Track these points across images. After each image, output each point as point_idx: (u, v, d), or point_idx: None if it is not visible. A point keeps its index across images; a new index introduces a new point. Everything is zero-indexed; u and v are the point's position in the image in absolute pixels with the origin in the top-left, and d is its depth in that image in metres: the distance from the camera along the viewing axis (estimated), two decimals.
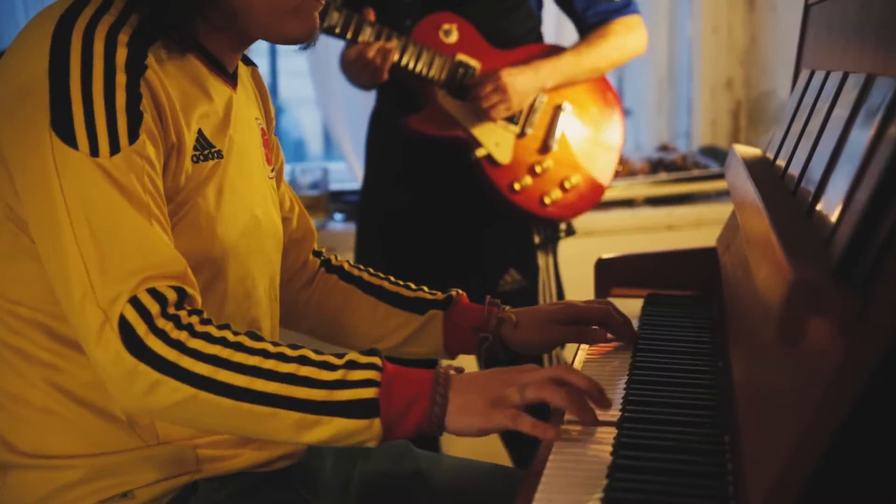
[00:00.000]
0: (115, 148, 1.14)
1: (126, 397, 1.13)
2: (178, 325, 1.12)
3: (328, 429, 1.12)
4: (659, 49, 3.66)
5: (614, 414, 1.18)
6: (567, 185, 2.51)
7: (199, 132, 1.25)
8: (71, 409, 1.25)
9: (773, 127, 3.45)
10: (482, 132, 2.44)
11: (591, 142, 2.56)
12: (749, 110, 3.69)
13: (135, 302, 1.12)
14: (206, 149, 1.26)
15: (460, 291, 1.55)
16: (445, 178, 2.51)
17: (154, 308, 1.12)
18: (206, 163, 1.26)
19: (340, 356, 1.15)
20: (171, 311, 1.13)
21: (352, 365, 1.14)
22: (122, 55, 1.17)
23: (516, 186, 2.47)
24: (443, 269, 2.51)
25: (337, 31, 2.32)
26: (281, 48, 3.19)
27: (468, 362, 1.43)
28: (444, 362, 1.17)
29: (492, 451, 2.64)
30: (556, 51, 2.51)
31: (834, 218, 0.95)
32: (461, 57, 2.42)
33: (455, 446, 2.83)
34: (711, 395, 1.23)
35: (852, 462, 0.82)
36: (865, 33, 1.17)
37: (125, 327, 1.11)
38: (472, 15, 2.45)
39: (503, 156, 2.46)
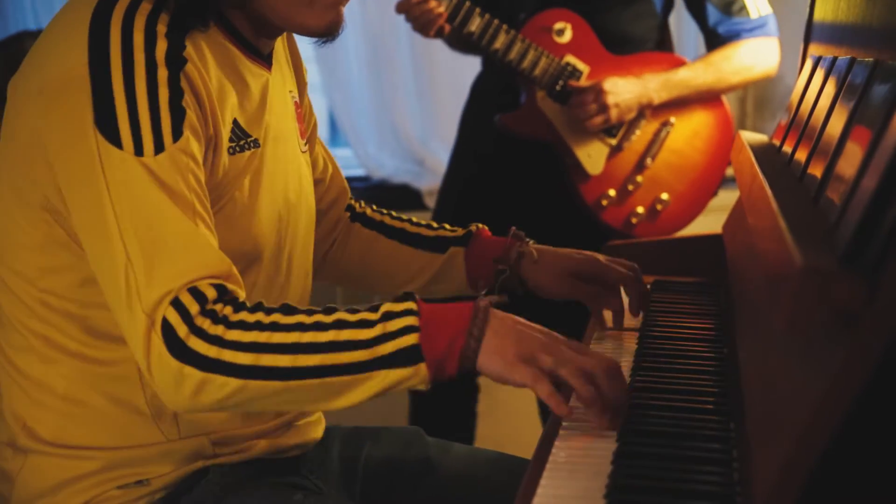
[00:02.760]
0: (159, 147, 1.13)
1: (177, 401, 1.13)
2: (216, 319, 1.11)
3: (376, 383, 1.12)
4: None
5: None
6: (658, 206, 2.42)
7: (235, 122, 1.24)
8: (95, 400, 1.25)
9: (779, 113, 3.44)
10: (576, 141, 2.37)
11: (691, 162, 2.44)
12: (756, 97, 3.67)
13: (176, 303, 1.11)
14: (241, 139, 1.25)
15: (481, 226, 1.55)
16: (535, 169, 2.45)
17: (194, 308, 1.11)
18: (242, 153, 1.25)
19: (376, 309, 1.14)
20: (209, 307, 1.12)
21: (388, 316, 1.13)
22: (161, 48, 1.15)
23: (604, 202, 2.41)
24: None
25: (444, 18, 2.28)
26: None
27: None
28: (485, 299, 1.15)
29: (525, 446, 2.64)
30: (672, 64, 2.41)
31: (841, 205, 0.95)
32: (570, 59, 2.35)
33: (489, 439, 2.84)
34: (717, 382, 1.23)
35: (859, 450, 0.82)
36: (870, 29, 1.17)
37: (168, 331, 1.10)
38: (590, 13, 2.36)
39: (594, 168, 2.39)
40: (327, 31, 1.28)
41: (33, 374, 1.26)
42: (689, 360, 1.33)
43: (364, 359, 1.11)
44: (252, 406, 1.16)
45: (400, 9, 2.34)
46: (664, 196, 2.43)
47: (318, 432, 1.43)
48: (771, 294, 1.07)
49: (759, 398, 1.04)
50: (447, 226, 1.56)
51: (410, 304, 1.14)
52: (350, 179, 3.33)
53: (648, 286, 1.70)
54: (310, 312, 1.15)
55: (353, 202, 1.60)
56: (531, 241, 1.52)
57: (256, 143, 1.27)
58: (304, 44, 1.37)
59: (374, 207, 1.60)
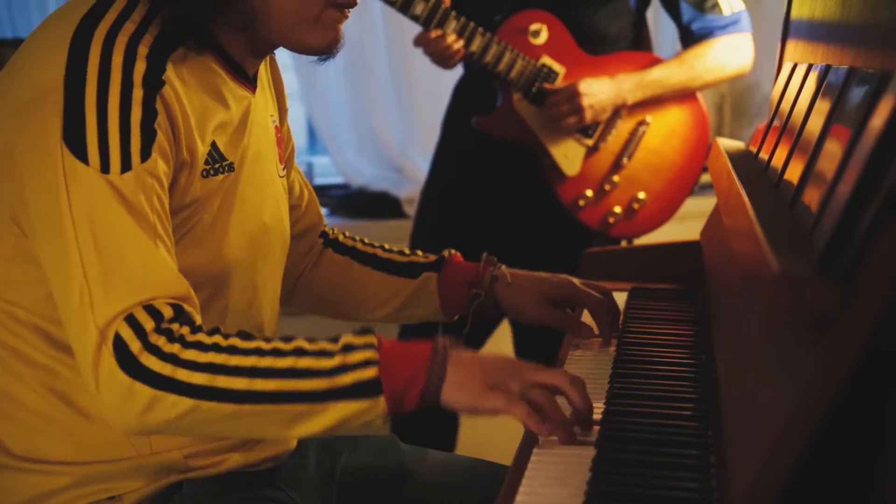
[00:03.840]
0: (126, 166, 1.12)
1: (124, 419, 1.11)
2: (171, 338, 1.11)
3: (333, 415, 1.11)
4: None
5: (598, 407, 1.18)
6: (635, 205, 2.43)
7: (213, 144, 1.23)
8: (66, 414, 1.24)
9: (756, 120, 3.45)
10: (553, 142, 2.38)
11: (667, 161, 2.45)
12: (733, 103, 3.69)
13: (130, 319, 1.10)
14: (217, 162, 1.24)
15: (453, 252, 1.55)
16: (514, 170, 2.45)
17: (149, 324, 1.10)
18: (216, 177, 1.24)
19: (335, 340, 1.14)
20: (165, 325, 1.11)
21: (348, 348, 1.13)
22: (140, 69, 1.15)
23: (581, 202, 2.41)
24: (496, 255, 2.48)
25: (421, 21, 2.27)
26: None
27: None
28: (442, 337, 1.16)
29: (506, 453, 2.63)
30: (647, 62, 2.41)
31: (816, 211, 0.95)
32: (546, 60, 2.35)
33: (470, 446, 2.83)
34: (695, 389, 1.24)
35: (835, 454, 0.82)
36: (846, 28, 1.17)
37: (120, 346, 1.09)
38: (566, 12, 2.37)
39: (570, 168, 2.39)
40: (327, 50, 1.28)
41: (3, 386, 1.25)
42: (667, 366, 1.33)
43: (322, 388, 1.11)
44: (202, 429, 1.15)
45: (417, 43, 2.34)
46: (641, 195, 2.44)
47: (292, 444, 1.42)
48: (747, 300, 1.08)
49: (735, 404, 1.05)
50: (419, 252, 1.56)
51: (371, 339, 1.14)
52: (329, 187, 3.34)
53: (625, 293, 1.71)
54: (268, 340, 1.14)
55: (326, 228, 1.59)
56: (503, 266, 1.52)
57: (231, 168, 1.27)
58: (283, 52, 1.36)
59: (347, 234, 1.60)
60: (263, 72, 1.39)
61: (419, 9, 2.27)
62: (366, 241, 1.58)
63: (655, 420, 1.13)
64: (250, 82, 1.31)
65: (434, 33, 2.27)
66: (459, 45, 2.27)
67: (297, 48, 1.28)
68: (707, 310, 1.51)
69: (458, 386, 1.13)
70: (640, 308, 1.62)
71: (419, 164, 3.17)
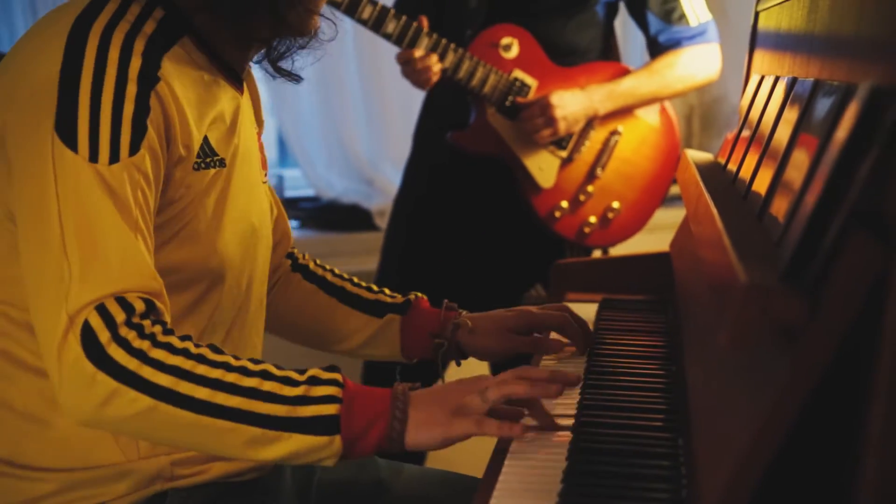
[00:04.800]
0: (114, 157, 1.13)
1: (80, 407, 1.10)
2: (141, 334, 1.11)
3: (288, 445, 1.11)
4: None
5: (569, 418, 1.18)
6: (610, 214, 2.45)
7: (206, 139, 1.24)
8: (53, 418, 1.23)
9: (724, 131, 3.48)
10: (527, 155, 2.39)
11: (640, 170, 2.48)
12: (701, 115, 3.72)
13: (101, 309, 1.10)
14: (208, 156, 1.25)
15: (419, 295, 1.55)
16: (487, 182, 2.46)
17: (120, 317, 1.10)
18: (206, 171, 1.25)
19: (302, 372, 1.14)
20: (136, 320, 1.11)
21: (314, 381, 1.13)
22: (135, 65, 1.16)
23: (556, 213, 2.43)
24: (465, 273, 2.47)
25: (393, 39, 2.29)
26: None
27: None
28: (400, 384, 1.16)
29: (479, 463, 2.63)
30: (616, 73, 2.44)
31: (784, 222, 0.96)
32: (518, 74, 2.37)
33: (441, 459, 2.82)
34: (666, 399, 1.24)
35: (804, 463, 0.83)
36: (812, 39, 1.18)
37: (88, 334, 1.09)
38: (536, 25, 2.39)
39: (546, 180, 2.41)
40: (316, 30, 1.33)
41: None
42: (638, 377, 1.33)
43: (282, 415, 1.10)
44: (155, 434, 1.14)
45: (401, 59, 2.34)
46: (615, 204, 2.46)
47: None
48: (716, 310, 1.08)
49: (705, 414, 1.05)
50: (387, 290, 1.56)
51: (337, 376, 1.14)
52: (299, 200, 3.33)
53: (596, 304, 1.71)
54: (237, 357, 1.14)
55: (296, 252, 1.59)
56: (463, 312, 1.52)
57: (223, 163, 1.27)
58: (253, 66, 1.38)
59: (318, 262, 1.59)
60: (247, 81, 1.40)
61: (391, 27, 2.28)
62: (336, 272, 1.58)
63: (626, 431, 1.14)
64: (239, 83, 1.33)
65: (417, 52, 2.28)
66: (439, 66, 2.29)
67: (303, 32, 1.32)
68: (677, 320, 1.52)
69: (423, 426, 1.13)
70: (610, 319, 1.63)
71: (390, 176, 3.17)
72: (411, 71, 2.33)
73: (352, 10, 2.26)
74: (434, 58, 2.29)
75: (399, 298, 1.54)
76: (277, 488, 1.41)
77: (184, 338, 1.14)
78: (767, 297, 0.81)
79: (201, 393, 1.10)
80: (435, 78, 2.32)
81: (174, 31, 1.22)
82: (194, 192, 1.23)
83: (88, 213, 1.12)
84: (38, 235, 1.13)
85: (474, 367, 2.62)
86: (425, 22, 2.30)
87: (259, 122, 1.48)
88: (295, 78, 1.39)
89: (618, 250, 2.57)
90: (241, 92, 1.33)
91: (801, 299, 0.79)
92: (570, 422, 1.18)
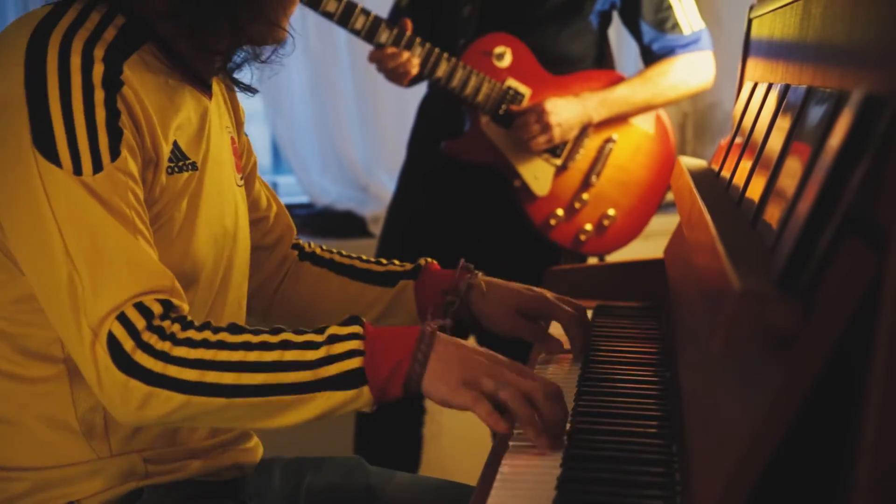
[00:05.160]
0: (97, 166, 1.15)
1: (122, 412, 1.14)
2: (162, 336, 1.13)
3: (321, 403, 1.14)
4: None
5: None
6: (605, 221, 2.46)
7: (175, 144, 1.25)
8: (25, 419, 1.24)
9: (718, 138, 3.48)
10: (522, 163, 2.40)
11: (634, 177, 2.48)
12: (695, 122, 3.72)
13: (122, 318, 1.12)
14: (180, 160, 1.26)
15: (430, 259, 1.55)
16: (481, 190, 2.46)
17: (140, 323, 1.13)
18: (180, 174, 1.26)
19: (322, 331, 1.17)
20: (157, 322, 1.14)
21: (334, 339, 1.15)
22: (98, 71, 1.17)
23: (552, 221, 2.43)
24: None
25: (387, 49, 2.29)
26: None
27: None
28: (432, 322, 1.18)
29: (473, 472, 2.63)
30: (610, 81, 2.44)
31: (777, 228, 0.96)
32: (511, 82, 2.38)
33: (435, 466, 2.83)
34: (660, 406, 1.24)
35: (798, 470, 0.83)
36: (805, 47, 1.19)
37: (113, 344, 1.12)
38: (529, 34, 2.39)
39: (541, 188, 2.41)
40: (283, 40, 1.32)
41: None
42: (632, 384, 1.33)
43: (308, 379, 1.13)
44: (198, 422, 1.18)
45: (372, 58, 2.35)
46: (611, 212, 2.46)
47: (254, 456, 1.42)
48: (710, 317, 1.08)
49: (699, 421, 1.05)
50: (396, 262, 1.57)
51: (356, 328, 1.16)
52: (294, 206, 3.33)
53: (591, 311, 1.71)
54: (256, 332, 1.17)
55: (301, 242, 1.60)
56: (480, 273, 1.52)
57: (195, 167, 1.28)
58: (247, 73, 1.38)
59: (324, 247, 1.61)
60: (216, 85, 1.41)
61: (384, 37, 2.28)
62: (343, 252, 1.60)
63: (621, 438, 1.14)
64: (207, 89, 1.33)
65: (389, 50, 2.28)
66: (414, 62, 2.29)
67: (273, 41, 1.31)
68: (671, 327, 1.52)
69: (438, 378, 1.15)
70: (604, 326, 1.63)
71: (384, 183, 3.17)
72: (385, 69, 2.33)
73: (344, 21, 2.27)
74: (406, 54, 2.29)
75: (409, 266, 1.56)
76: (263, 493, 1.41)
77: (202, 327, 1.16)
78: (761, 303, 0.81)
79: (228, 378, 1.13)
80: (414, 70, 2.31)
81: (136, 38, 1.22)
82: (169, 195, 1.24)
83: (86, 226, 1.13)
84: (42, 256, 1.14)
85: None
86: (409, 25, 2.30)
87: (238, 123, 1.48)
88: (251, 90, 1.42)
89: (612, 257, 2.57)
90: (210, 96, 1.34)
91: (794, 306, 0.80)
92: (565, 428, 1.17)
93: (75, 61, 1.16)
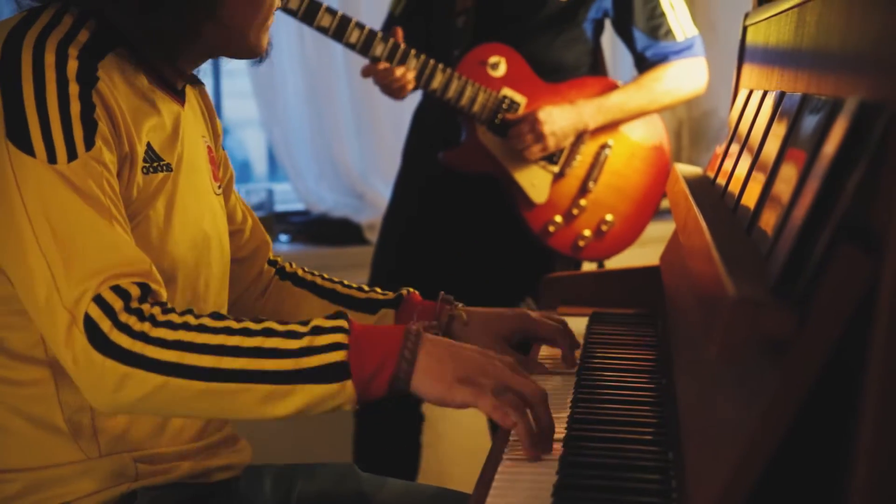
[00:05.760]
0: (72, 155, 1.15)
1: (98, 396, 1.13)
2: (141, 317, 1.13)
3: (302, 397, 1.12)
4: None
5: (560, 432, 1.18)
6: (603, 227, 2.47)
7: (149, 145, 1.26)
8: (13, 421, 1.24)
9: (713, 145, 3.49)
10: (519, 171, 2.41)
11: (631, 182, 2.49)
12: (690, 129, 3.73)
13: (98, 300, 1.12)
14: (155, 161, 1.27)
15: (412, 290, 1.56)
16: (479, 198, 2.47)
17: (117, 304, 1.12)
18: (155, 174, 1.26)
19: (306, 323, 1.15)
20: (135, 305, 1.13)
21: (317, 330, 1.14)
22: (73, 67, 1.18)
23: (550, 228, 2.44)
24: (457, 286, 2.49)
25: (381, 61, 2.30)
26: (225, 70, 3.18)
27: None
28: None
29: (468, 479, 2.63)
30: (605, 87, 2.46)
31: (772, 235, 0.96)
32: (506, 91, 2.39)
33: (432, 474, 2.82)
34: (656, 413, 1.24)
35: (794, 476, 0.83)
36: (800, 52, 1.19)
37: (90, 325, 1.11)
38: (523, 43, 2.40)
39: (538, 196, 2.42)
40: (267, 50, 1.35)
41: None
42: (628, 390, 1.33)
43: (288, 368, 1.12)
44: (174, 409, 1.16)
45: (366, 73, 2.36)
46: (608, 217, 2.47)
47: (244, 457, 1.42)
48: (705, 324, 1.08)
49: (695, 428, 1.05)
50: (378, 289, 1.57)
51: (341, 322, 1.15)
52: (290, 214, 3.33)
53: (586, 318, 1.71)
54: (239, 320, 1.16)
55: (282, 262, 1.60)
56: (460, 304, 1.52)
57: (169, 168, 1.29)
58: (243, 78, 1.39)
59: (306, 269, 1.60)
60: (193, 97, 1.42)
61: (379, 50, 2.29)
62: (325, 276, 1.59)
63: (617, 445, 1.14)
64: (178, 95, 1.34)
65: (382, 65, 2.29)
66: (409, 76, 2.30)
67: (244, 54, 1.34)
68: (667, 334, 1.52)
69: (429, 375, 1.13)
70: (600, 333, 1.63)
71: (380, 190, 3.17)
72: (380, 83, 2.34)
73: (339, 36, 2.28)
74: (401, 69, 2.29)
75: (391, 294, 1.55)
76: (255, 497, 1.41)
77: (184, 312, 1.16)
78: (756, 310, 0.82)
79: (207, 361, 1.12)
80: (410, 86, 2.32)
81: (108, 42, 1.24)
82: (145, 194, 1.25)
83: (59, 212, 1.14)
84: (16, 245, 1.15)
85: None
86: (400, 34, 2.31)
87: (216, 134, 1.49)
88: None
89: (609, 263, 2.58)
90: (182, 103, 1.35)
91: (789, 312, 0.80)
92: (561, 435, 1.17)
93: (49, 58, 1.17)
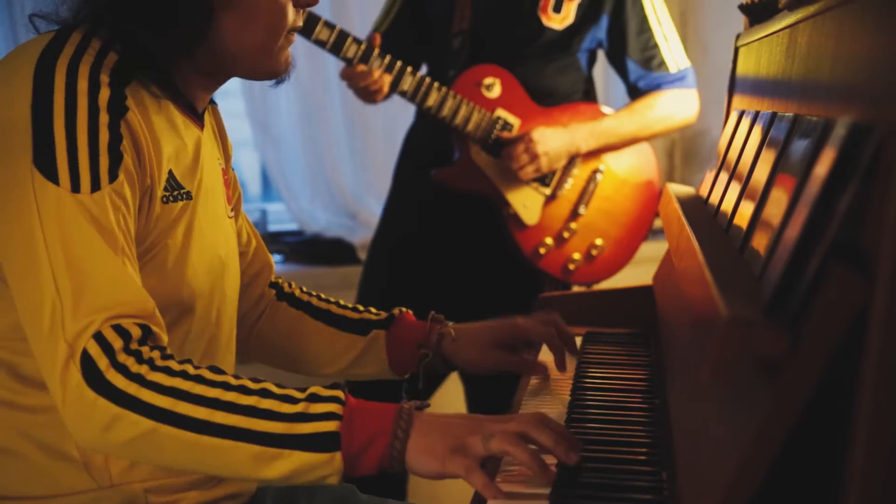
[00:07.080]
0: (95, 185, 1.15)
1: (84, 433, 1.12)
2: (140, 359, 1.12)
3: (289, 463, 1.11)
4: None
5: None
6: (593, 251, 2.48)
7: (170, 173, 1.26)
8: (25, 448, 1.24)
9: (706, 166, 3.50)
10: (511, 191, 2.41)
11: (622, 208, 2.50)
12: (683, 150, 3.74)
13: (98, 337, 1.11)
14: (175, 190, 1.27)
15: (404, 309, 1.56)
16: (470, 219, 2.48)
17: (117, 343, 1.12)
18: (175, 204, 1.26)
19: (303, 390, 1.14)
20: (134, 346, 1.13)
21: (314, 398, 1.13)
22: (104, 95, 1.18)
23: (541, 250, 2.44)
24: (445, 306, 2.49)
25: (356, 66, 2.31)
26: (218, 90, 3.17)
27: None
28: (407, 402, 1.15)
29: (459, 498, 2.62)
30: (597, 114, 2.47)
31: (765, 255, 0.97)
32: (500, 112, 2.40)
33: (423, 496, 2.81)
34: (649, 433, 1.24)
35: (787, 496, 0.83)
36: (790, 82, 1.20)
37: (87, 362, 1.11)
38: (517, 68, 2.42)
39: (530, 217, 2.43)
40: (286, 71, 1.34)
41: None
42: (622, 411, 1.33)
43: (280, 431, 1.11)
44: (161, 457, 1.14)
45: (344, 76, 2.37)
46: (598, 241, 2.48)
47: (251, 485, 1.41)
48: (698, 343, 1.09)
49: (688, 448, 1.05)
50: (373, 309, 1.57)
51: (338, 393, 1.14)
52: (283, 234, 3.32)
53: (580, 338, 1.71)
54: (237, 377, 1.15)
55: (281, 282, 1.60)
56: (449, 323, 1.52)
57: (189, 196, 1.29)
58: (237, 99, 1.39)
59: (304, 289, 1.60)
60: (208, 117, 1.42)
61: (376, 65, 2.31)
62: (322, 296, 1.59)
63: (610, 465, 1.13)
64: (199, 119, 1.34)
65: (360, 68, 2.30)
66: (385, 81, 2.31)
67: (260, 76, 1.33)
68: (660, 354, 1.52)
69: (423, 452, 1.12)
70: (594, 352, 1.63)
71: (374, 210, 3.17)
72: (355, 87, 2.35)
73: (337, 49, 2.29)
74: (378, 72, 2.31)
75: (383, 315, 1.55)
76: None
77: (183, 361, 1.15)
78: (749, 330, 0.82)
79: (200, 412, 1.11)
80: (386, 88, 2.33)
81: (134, 65, 1.23)
82: (164, 223, 1.25)
83: (75, 243, 1.13)
84: (28, 269, 1.14)
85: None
86: (378, 40, 2.32)
87: (227, 155, 1.49)
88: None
89: (600, 284, 2.58)
90: (202, 128, 1.35)
91: (782, 333, 0.80)
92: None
93: (82, 85, 1.17)
